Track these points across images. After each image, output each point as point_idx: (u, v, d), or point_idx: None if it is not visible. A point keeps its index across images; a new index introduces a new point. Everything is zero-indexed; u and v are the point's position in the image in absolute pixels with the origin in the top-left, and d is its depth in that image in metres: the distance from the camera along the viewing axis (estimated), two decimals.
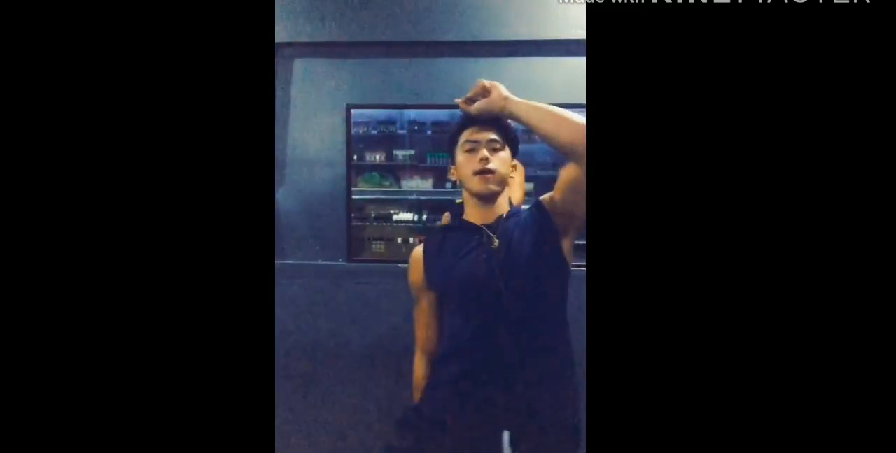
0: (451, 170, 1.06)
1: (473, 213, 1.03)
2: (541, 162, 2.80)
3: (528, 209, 1.04)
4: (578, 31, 2.10)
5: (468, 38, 2.20)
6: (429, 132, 2.86)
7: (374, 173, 2.91)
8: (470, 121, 1.03)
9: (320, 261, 2.24)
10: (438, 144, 2.82)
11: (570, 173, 0.96)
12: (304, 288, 2.14)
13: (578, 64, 2.14)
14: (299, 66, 2.30)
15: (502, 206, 1.03)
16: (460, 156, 1.02)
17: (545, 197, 1.03)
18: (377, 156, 2.88)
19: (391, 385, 1.95)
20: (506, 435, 0.95)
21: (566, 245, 1.02)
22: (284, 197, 2.27)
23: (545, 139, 0.95)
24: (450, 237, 1.03)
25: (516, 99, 0.97)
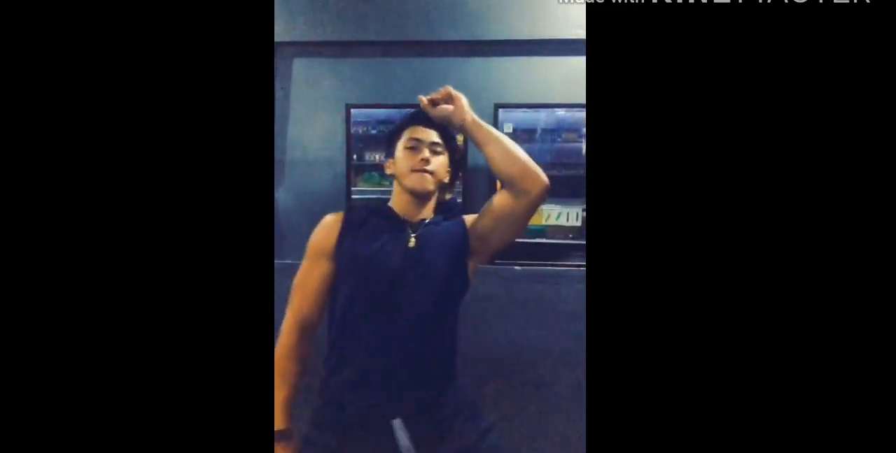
0: (388, 163, 1.07)
1: (399, 206, 1.04)
2: (540, 162, 2.80)
3: (451, 222, 1.06)
4: (578, 31, 2.10)
5: (468, 37, 2.20)
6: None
7: (374, 173, 2.91)
8: (416, 119, 1.05)
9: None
10: None
11: (501, 202, 0.99)
12: None
13: (578, 63, 2.14)
14: (299, 65, 2.30)
15: (429, 210, 1.05)
16: (400, 152, 1.03)
17: (469, 217, 1.05)
18: (377, 156, 2.87)
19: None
20: (397, 423, 0.95)
21: (472, 265, 1.04)
22: (284, 196, 2.26)
23: (492, 165, 0.98)
24: (372, 219, 1.03)
25: (478, 120, 0.99)
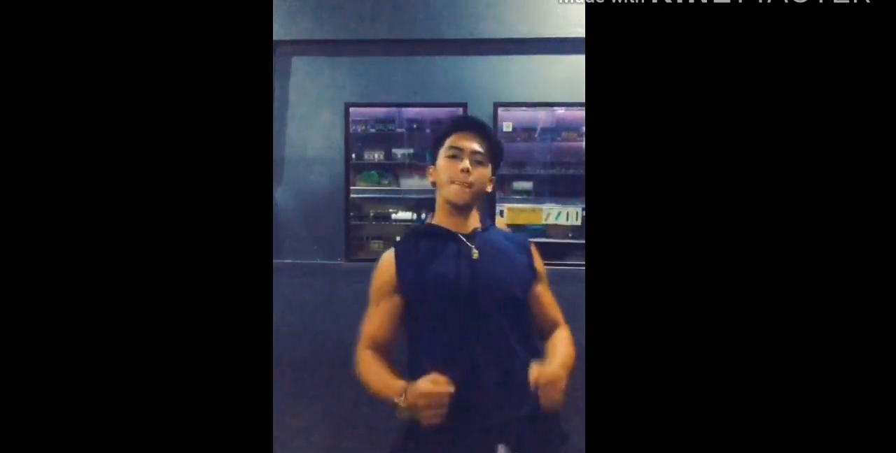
0: (430, 170, 1.05)
1: (446, 220, 1.02)
2: (541, 161, 2.81)
3: (515, 236, 1.05)
4: (578, 29, 2.09)
5: (467, 35, 2.19)
6: (428, 130, 2.86)
7: (373, 172, 2.90)
8: (459, 125, 1.03)
9: (318, 261, 2.24)
10: None
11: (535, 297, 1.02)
12: (302, 287, 2.13)
13: (578, 61, 2.13)
14: (297, 63, 2.29)
15: (475, 218, 1.03)
16: (442, 160, 1.01)
17: (537, 258, 1.06)
18: (376, 155, 2.87)
19: None
20: (501, 449, 0.92)
21: (535, 286, 1.04)
22: (282, 196, 2.26)
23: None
24: (424, 242, 1.01)
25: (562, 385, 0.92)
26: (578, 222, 2.55)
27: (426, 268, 0.98)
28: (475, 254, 0.98)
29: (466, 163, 0.97)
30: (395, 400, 0.87)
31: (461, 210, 1.00)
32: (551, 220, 2.57)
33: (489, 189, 1.03)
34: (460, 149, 0.99)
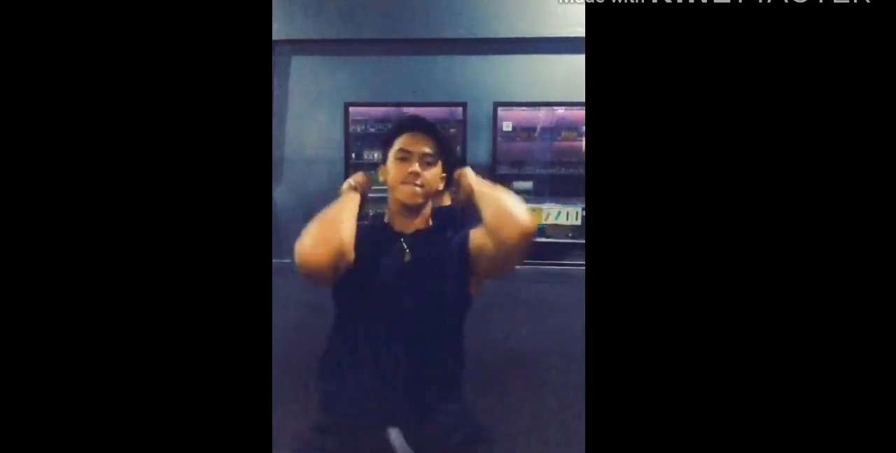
0: (380, 170, 1.06)
1: (394, 217, 1.04)
2: (541, 160, 2.81)
3: (453, 233, 1.04)
4: (578, 29, 2.09)
5: (467, 35, 2.19)
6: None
7: (373, 171, 2.89)
8: (406, 126, 1.02)
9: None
10: None
11: (480, 240, 0.96)
12: (301, 286, 2.13)
13: (577, 61, 2.13)
14: (297, 63, 2.29)
15: (424, 218, 1.03)
16: (391, 162, 1.02)
17: (474, 232, 1.01)
18: (375, 155, 2.86)
19: None
20: (394, 432, 0.94)
21: (474, 281, 1.02)
22: (282, 195, 2.26)
23: (485, 225, 0.95)
24: (368, 236, 1.02)
25: (483, 189, 0.97)
26: (578, 222, 2.55)
27: (361, 259, 0.98)
28: (407, 255, 0.99)
29: (416, 167, 0.98)
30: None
31: (412, 210, 1.01)
32: (551, 220, 2.57)
33: (440, 187, 1.03)
34: (409, 152, 0.99)
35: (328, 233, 0.98)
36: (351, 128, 2.38)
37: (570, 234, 2.62)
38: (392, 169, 1.01)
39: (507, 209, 0.92)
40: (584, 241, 2.36)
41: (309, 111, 2.27)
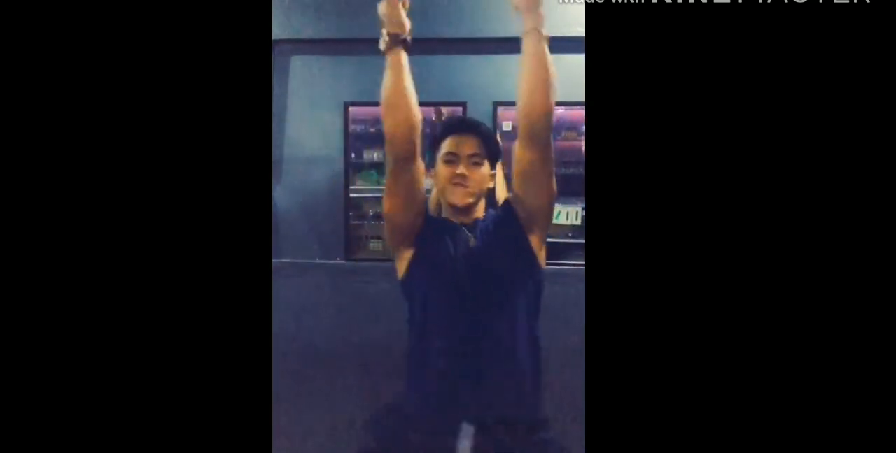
0: (429, 174, 1.06)
1: (450, 215, 1.04)
2: None
3: (498, 209, 1.05)
4: (577, 28, 2.09)
5: (466, 34, 2.19)
6: (427, 130, 2.85)
7: (372, 171, 2.90)
8: (451, 128, 1.03)
9: (318, 260, 2.24)
10: None
11: (519, 157, 0.96)
12: (301, 286, 2.13)
13: (578, 61, 2.13)
14: (297, 62, 2.29)
15: (480, 211, 1.04)
16: (439, 165, 1.02)
17: (510, 194, 1.03)
18: (375, 154, 2.86)
19: (389, 384, 1.95)
20: (468, 429, 0.95)
21: (534, 242, 1.01)
22: (282, 195, 2.26)
23: (519, 88, 0.94)
24: (435, 227, 1.03)
25: (542, 29, 0.94)
26: (578, 222, 2.55)
27: (434, 248, 0.99)
28: (472, 241, 1.00)
29: (463, 169, 0.99)
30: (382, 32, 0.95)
31: (463, 210, 1.01)
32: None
33: (491, 185, 1.04)
34: (456, 155, 1.00)
35: (394, 100, 0.96)
36: (351, 128, 2.37)
37: (569, 234, 2.62)
38: (440, 172, 1.02)
39: (547, 78, 0.92)
40: (584, 241, 2.37)
41: (308, 111, 2.26)
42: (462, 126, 1.03)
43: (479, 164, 1.00)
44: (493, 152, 1.03)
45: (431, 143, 1.06)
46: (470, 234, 1.00)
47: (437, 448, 0.95)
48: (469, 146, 1.00)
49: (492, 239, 1.00)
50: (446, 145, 1.01)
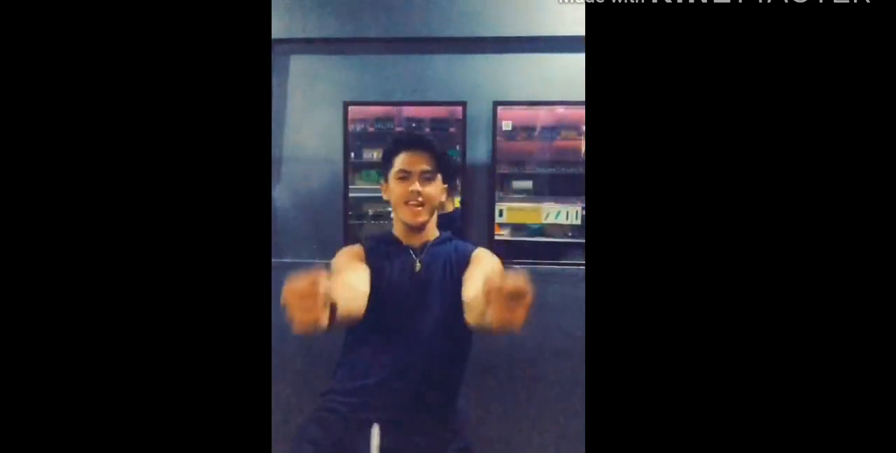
0: (383, 187, 1.09)
1: (401, 232, 1.07)
2: (541, 159, 2.80)
3: (459, 246, 1.07)
4: (577, 27, 2.09)
5: (467, 34, 2.19)
6: (427, 129, 2.85)
7: (372, 171, 2.89)
8: (403, 144, 1.05)
9: (317, 260, 2.23)
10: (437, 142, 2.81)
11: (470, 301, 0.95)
12: None
13: (577, 60, 2.13)
14: (296, 62, 2.29)
15: (430, 231, 1.07)
16: (393, 182, 1.05)
17: (476, 259, 1.03)
18: (375, 154, 2.86)
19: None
20: (375, 428, 0.97)
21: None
22: (281, 195, 2.26)
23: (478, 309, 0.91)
24: (381, 248, 1.06)
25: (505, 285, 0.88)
26: (578, 221, 2.55)
27: (376, 271, 1.02)
28: (418, 267, 1.03)
29: (416, 186, 1.01)
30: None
31: (415, 229, 1.05)
32: (551, 219, 2.57)
33: (444, 199, 1.07)
34: (408, 172, 1.03)
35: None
36: (350, 128, 2.37)
37: (569, 234, 2.62)
38: (394, 188, 1.05)
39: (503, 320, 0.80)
40: (583, 241, 2.36)
41: (308, 110, 2.26)
42: (413, 142, 1.06)
43: (430, 179, 1.03)
44: (444, 167, 1.06)
45: (383, 159, 1.08)
46: (416, 259, 1.03)
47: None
48: (420, 162, 1.03)
49: (438, 270, 1.02)
50: (399, 162, 1.04)
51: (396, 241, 1.08)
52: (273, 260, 2.27)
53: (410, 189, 1.02)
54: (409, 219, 1.03)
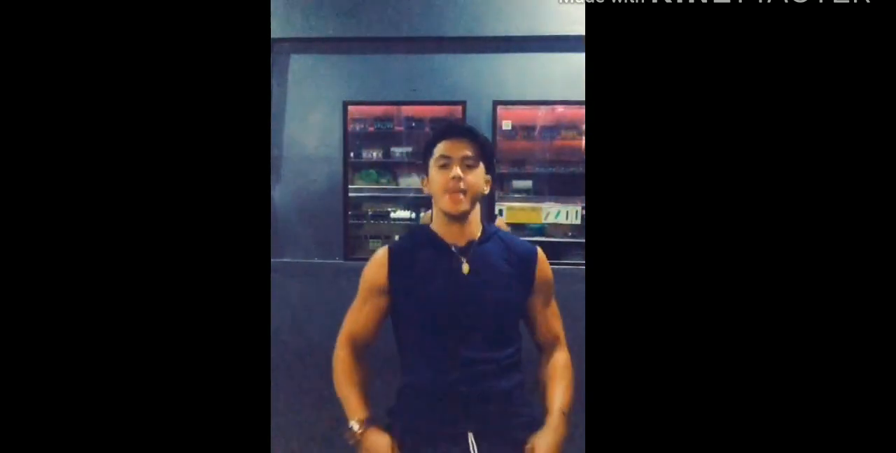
0: (423, 182, 1.04)
1: (443, 230, 1.01)
2: (540, 159, 2.80)
3: (517, 246, 1.04)
4: (577, 27, 2.09)
5: (466, 33, 2.18)
6: (427, 129, 2.85)
7: (371, 170, 2.89)
8: (444, 133, 1.01)
9: (316, 260, 2.23)
10: None
11: (533, 309, 1.04)
12: (300, 286, 2.13)
13: (577, 59, 2.13)
14: (295, 61, 2.28)
15: (474, 225, 1.01)
16: (433, 171, 0.99)
17: (542, 266, 1.04)
18: (374, 154, 2.86)
19: (387, 383, 1.95)
20: (470, 437, 0.94)
21: (533, 301, 1.04)
22: (280, 194, 2.26)
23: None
24: (418, 250, 1.01)
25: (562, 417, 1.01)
26: (578, 221, 2.55)
27: (416, 278, 0.98)
28: (466, 268, 0.97)
29: (457, 171, 0.96)
30: (350, 424, 0.96)
31: (458, 218, 0.99)
32: (550, 219, 2.57)
33: (486, 190, 1.02)
34: (449, 158, 0.97)
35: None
36: (350, 127, 2.37)
37: (569, 233, 2.62)
38: (434, 178, 0.99)
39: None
40: (583, 240, 2.37)
41: (307, 110, 2.26)
42: (454, 130, 1.02)
43: (473, 167, 0.97)
44: (487, 156, 1.01)
45: (424, 152, 1.04)
46: (463, 259, 0.98)
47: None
48: (462, 148, 0.98)
49: (489, 271, 0.98)
50: (439, 149, 0.99)
51: (437, 240, 0.99)
52: (272, 259, 2.27)
53: (452, 174, 0.95)
54: (450, 207, 0.95)
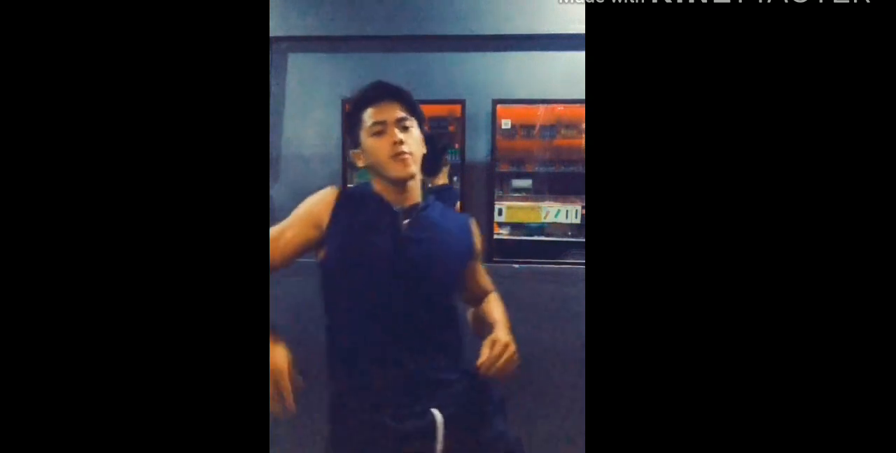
0: (354, 155, 0.97)
1: (386, 193, 0.96)
2: (540, 158, 2.80)
3: (454, 214, 1.04)
4: (577, 26, 2.08)
5: (465, 32, 2.18)
6: (426, 128, 2.84)
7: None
8: (370, 97, 0.94)
9: (316, 259, 2.23)
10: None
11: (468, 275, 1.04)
12: (299, 285, 2.12)
13: (577, 58, 2.12)
14: (294, 60, 2.28)
15: (416, 190, 0.97)
16: (367, 140, 0.93)
17: (476, 231, 1.04)
18: None
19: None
20: (435, 413, 0.92)
21: (471, 265, 1.04)
22: (279, 193, 2.25)
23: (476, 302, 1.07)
24: (364, 205, 0.95)
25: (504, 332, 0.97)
26: (578, 220, 2.55)
27: (358, 228, 0.93)
28: (404, 227, 0.93)
29: (397, 134, 0.91)
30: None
31: (404, 182, 0.94)
32: (550, 218, 2.57)
33: (424, 150, 0.97)
34: (383, 123, 0.92)
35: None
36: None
37: (569, 233, 2.62)
38: (371, 147, 0.93)
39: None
40: (583, 240, 2.37)
41: (306, 108, 2.25)
42: (381, 93, 0.94)
43: (409, 128, 0.93)
44: (418, 114, 0.96)
45: (350, 120, 0.97)
46: (404, 221, 0.94)
47: (411, 430, 0.92)
48: (394, 110, 0.92)
49: (428, 234, 0.94)
50: (369, 116, 0.93)
51: (380, 201, 0.95)
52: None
53: (392, 140, 0.89)
54: (399, 171, 0.90)
